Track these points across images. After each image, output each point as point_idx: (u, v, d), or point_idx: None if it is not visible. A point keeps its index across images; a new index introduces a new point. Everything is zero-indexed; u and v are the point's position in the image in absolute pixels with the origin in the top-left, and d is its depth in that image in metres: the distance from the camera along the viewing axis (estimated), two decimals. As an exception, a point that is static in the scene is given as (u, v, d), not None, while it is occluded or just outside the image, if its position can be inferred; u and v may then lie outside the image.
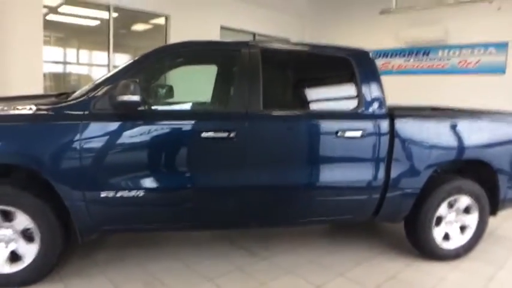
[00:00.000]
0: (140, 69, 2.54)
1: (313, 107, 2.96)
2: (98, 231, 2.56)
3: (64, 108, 2.42)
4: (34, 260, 2.43)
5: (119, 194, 2.41)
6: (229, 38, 7.06)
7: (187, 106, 2.93)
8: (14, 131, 2.34)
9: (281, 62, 2.88)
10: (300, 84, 3.02)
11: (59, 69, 6.05)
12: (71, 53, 6.23)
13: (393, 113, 2.83)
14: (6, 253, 2.43)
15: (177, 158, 2.52)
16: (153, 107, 2.75)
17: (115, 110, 2.38)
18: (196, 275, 2.71)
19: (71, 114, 2.38)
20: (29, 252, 2.43)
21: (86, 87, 2.61)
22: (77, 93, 2.55)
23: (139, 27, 6.71)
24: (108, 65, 6.03)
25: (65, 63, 6.10)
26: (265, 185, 2.61)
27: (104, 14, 5.95)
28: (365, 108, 2.79)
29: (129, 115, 2.41)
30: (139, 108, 2.42)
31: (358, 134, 2.72)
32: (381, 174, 2.80)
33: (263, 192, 2.64)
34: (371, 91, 2.82)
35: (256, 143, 2.56)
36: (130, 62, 2.60)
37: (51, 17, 5.62)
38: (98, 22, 6.14)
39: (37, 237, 2.42)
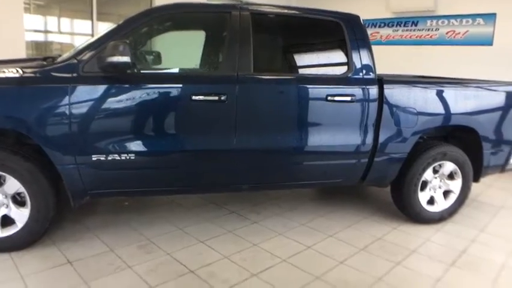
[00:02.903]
0: (128, 31, 2.48)
1: (304, 71, 2.96)
2: (89, 195, 2.56)
3: (52, 70, 2.37)
4: (26, 224, 2.44)
5: (110, 157, 2.41)
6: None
7: (177, 69, 2.88)
8: (1, 94, 2.29)
9: (271, 26, 2.85)
10: (291, 48, 3.00)
11: (41, 37, 5.86)
12: (53, 21, 6.03)
13: (382, 79, 2.86)
14: (-3, 217, 2.44)
15: (167, 121, 2.50)
16: (142, 70, 2.72)
17: (104, 72, 2.34)
18: (189, 237, 2.76)
19: (59, 77, 2.34)
20: (21, 216, 2.43)
21: (73, 50, 2.56)
22: (65, 56, 2.50)
23: (123, -7, 6.51)
24: (92, 34, 5.86)
25: (46, 31, 5.91)
26: (256, 148, 2.63)
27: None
28: (355, 73, 2.81)
29: (118, 78, 2.38)
30: (129, 71, 2.39)
31: (347, 98, 2.75)
32: (370, 139, 2.85)
33: (254, 155, 2.66)
34: (361, 56, 2.83)
35: (246, 106, 2.56)
36: (118, 24, 2.54)
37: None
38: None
39: (28, 201, 2.41)
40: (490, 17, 5.44)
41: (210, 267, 2.39)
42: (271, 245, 2.72)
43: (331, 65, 2.94)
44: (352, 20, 2.89)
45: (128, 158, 2.43)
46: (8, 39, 4.71)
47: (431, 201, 3.18)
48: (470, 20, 5.64)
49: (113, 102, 2.38)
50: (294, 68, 2.98)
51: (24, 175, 2.37)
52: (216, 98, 2.48)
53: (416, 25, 6.21)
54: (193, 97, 2.45)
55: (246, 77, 2.56)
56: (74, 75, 2.34)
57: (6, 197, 2.44)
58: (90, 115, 2.35)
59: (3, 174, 2.37)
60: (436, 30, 6.01)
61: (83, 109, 2.33)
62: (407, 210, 3.16)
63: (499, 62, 5.23)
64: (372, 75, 2.84)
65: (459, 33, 5.76)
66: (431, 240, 2.93)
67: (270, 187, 3.16)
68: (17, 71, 2.40)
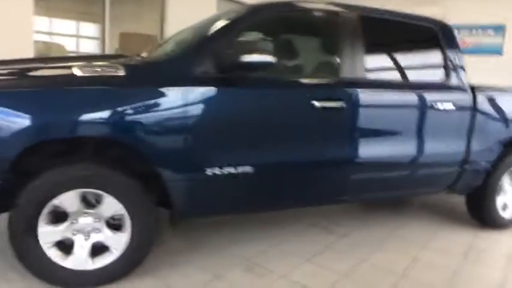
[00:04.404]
0: (248, 26, 2.22)
1: (408, 77, 2.84)
2: (195, 215, 2.26)
3: (159, 70, 2.05)
4: (124, 252, 2.07)
5: (225, 171, 2.12)
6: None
7: (296, 74, 2.59)
8: (107, 97, 1.91)
9: (378, 30, 2.70)
10: (394, 53, 2.87)
11: (47, 38, 5.28)
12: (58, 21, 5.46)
13: (474, 86, 2.84)
14: (88, 246, 2.04)
15: (286, 130, 2.26)
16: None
17: (226, 74, 2.06)
18: (291, 256, 2.52)
19: (172, 77, 2.01)
20: (118, 243, 2.06)
21: (174, 46, 2.26)
22: (170, 54, 2.19)
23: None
24: (103, 36, 5.35)
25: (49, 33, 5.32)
26: (370, 157, 2.48)
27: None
28: (453, 80, 2.77)
29: (239, 80, 2.11)
30: (256, 74, 2.13)
31: (449, 106, 2.69)
32: (464, 147, 2.81)
33: (369, 165, 2.51)
34: (457, 63, 2.80)
35: (363, 113, 2.41)
36: (235, 16, 2.26)
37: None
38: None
39: (127, 224, 2.05)
40: (500, 28, 5.74)
41: (339, 289, 2.19)
42: (380, 259, 2.56)
43: (432, 71, 2.87)
44: (445, 26, 2.85)
45: (245, 171, 2.16)
46: (15, 39, 4.16)
47: (504, 206, 3.21)
48: (480, 30, 5.92)
49: (233, 108, 2.11)
50: (398, 73, 2.85)
51: (128, 194, 2.02)
52: (336, 104, 2.30)
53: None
54: (314, 103, 2.24)
55: (361, 82, 2.40)
56: (189, 76, 2.04)
57: (99, 220, 2.06)
58: (208, 123, 2.06)
59: (101, 193, 1.99)
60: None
61: (201, 116, 2.03)
62: (485, 217, 3.16)
63: (509, 71, 5.52)
64: (466, 83, 2.81)
65: (469, 43, 6.02)
66: (516, 245, 2.95)
67: (378, 198, 3.06)
68: (117, 68, 2.03)
